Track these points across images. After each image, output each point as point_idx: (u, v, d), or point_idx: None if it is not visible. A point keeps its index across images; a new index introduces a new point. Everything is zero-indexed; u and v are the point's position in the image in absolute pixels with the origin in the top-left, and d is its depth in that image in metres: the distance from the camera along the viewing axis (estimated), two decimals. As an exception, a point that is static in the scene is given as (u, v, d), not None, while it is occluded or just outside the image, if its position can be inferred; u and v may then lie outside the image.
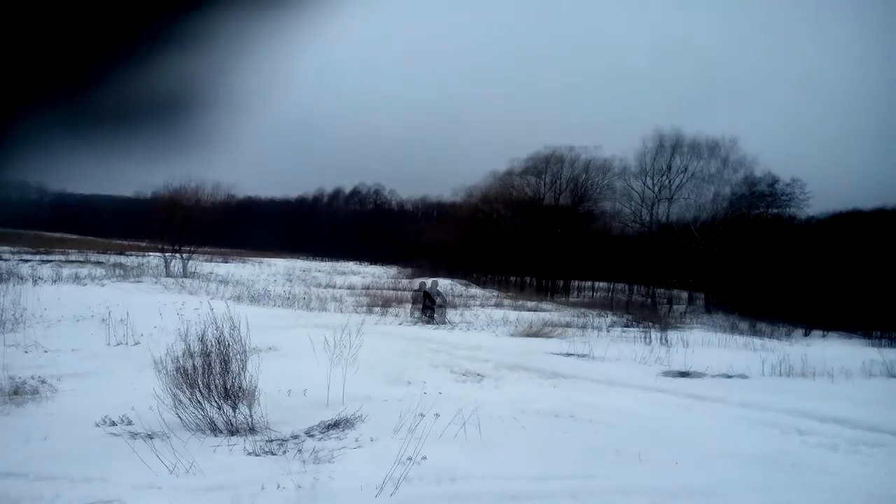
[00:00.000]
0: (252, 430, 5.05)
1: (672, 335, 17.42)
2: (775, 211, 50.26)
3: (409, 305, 19.66)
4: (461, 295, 31.38)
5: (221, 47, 1.26)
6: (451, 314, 19.44)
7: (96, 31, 1.16)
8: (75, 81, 1.22)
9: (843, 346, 24.50)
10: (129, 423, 5.04)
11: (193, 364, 5.23)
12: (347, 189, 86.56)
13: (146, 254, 35.03)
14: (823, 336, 30.61)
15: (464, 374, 9.52)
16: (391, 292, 29.24)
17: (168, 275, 24.55)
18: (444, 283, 34.43)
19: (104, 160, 1.46)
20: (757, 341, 18.79)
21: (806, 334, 29.60)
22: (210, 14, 1.21)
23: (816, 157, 77.89)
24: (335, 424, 5.31)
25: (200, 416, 5.02)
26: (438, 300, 17.99)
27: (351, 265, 55.47)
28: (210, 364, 5.23)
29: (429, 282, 19.69)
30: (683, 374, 10.07)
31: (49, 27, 1.14)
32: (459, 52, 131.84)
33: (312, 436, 5.04)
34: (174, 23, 1.20)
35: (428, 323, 16.62)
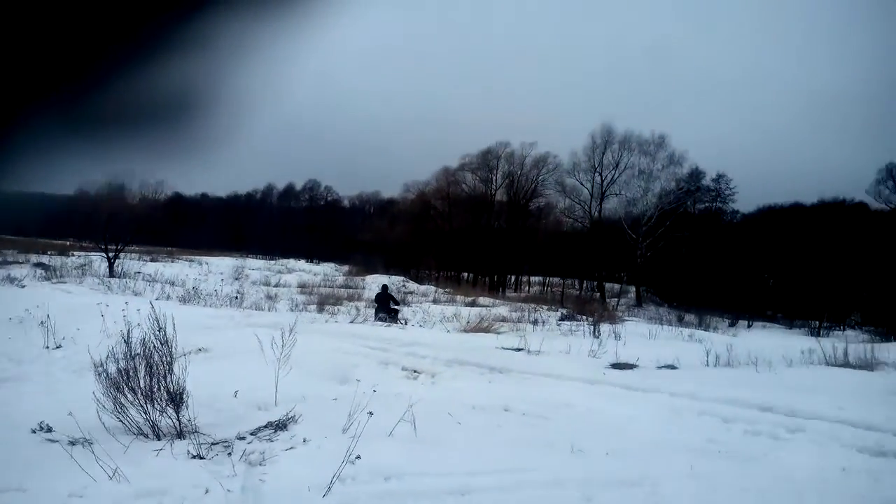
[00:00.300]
0: (181, 434, 4.89)
1: (611, 328, 17.80)
2: (703, 206, 52.09)
3: (351, 303, 20.62)
4: (399, 291, 31.25)
5: (217, 49, 1.23)
6: (406, 312, 19.80)
7: (95, 33, 1.12)
8: (71, 84, 1.18)
9: (768, 335, 25.60)
10: (49, 430, 4.80)
11: (118, 367, 5.03)
12: (281, 186, 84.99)
13: (72, 253, 33.66)
14: (749, 326, 31.85)
15: (406, 371, 9.49)
16: (332, 290, 28.94)
17: (94, 275, 23.62)
18: (381, 280, 34.32)
19: (101, 163, 1.41)
20: (687, 332, 19.37)
21: (732, 324, 30.74)
22: (209, 17, 1.17)
23: (754, 154, 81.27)
24: (268, 426, 5.19)
25: (128, 421, 4.84)
26: (397, 301, 18.42)
27: (289, 262, 54.53)
28: (136, 367, 5.04)
29: (381, 281, 20.06)
30: (618, 366, 10.29)
31: (46, 29, 1.09)
32: (415, 48, 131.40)
33: (244, 438, 4.91)
34: (174, 25, 1.17)
35: (391, 323, 16.42)
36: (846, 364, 10.71)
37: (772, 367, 10.15)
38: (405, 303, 24.25)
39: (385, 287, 19.35)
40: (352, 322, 16.21)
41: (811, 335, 24.72)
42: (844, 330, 31.70)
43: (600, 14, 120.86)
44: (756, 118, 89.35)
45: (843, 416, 6.59)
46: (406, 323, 17.56)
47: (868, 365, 10.55)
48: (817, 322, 33.44)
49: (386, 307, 17.70)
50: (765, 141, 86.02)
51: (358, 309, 20.87)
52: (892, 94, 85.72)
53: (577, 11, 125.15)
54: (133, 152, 1.39)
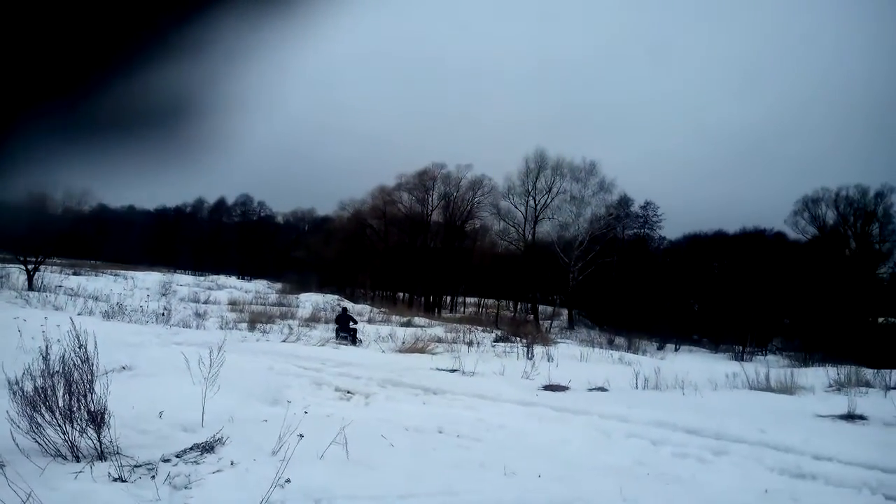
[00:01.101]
0: (102, 455, 4.67)
1: (544, 350, 18.02)
2: (631, 232, 53.65)
3: (284, 321, 21.68)
4: (333, 310, 30.88)
5: (212, 54, 1.21)
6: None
7: (87, 39, 1.08)
8: (64, 91, 1.14)
9: (694, 358, 26.42)
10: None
11: (35, 385, 4.79)
12: (212, 200, 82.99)
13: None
14: (676, 349, 32.82)
15: (339, 392, 9.38)
16: (265, 308, 28.38)
17: (12, 287, 22.50)
18: (315, 298, 33.85)
19: (97, 170, 1.35)
20: (616, 355, 19.81)
21: (660, 348, 31.62)
22: (208, 21, 1.16)
23: (680, 183, 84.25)
24: (195, 448, 5.01)
25: (45, 442, 4.60)
26: (352, 323, 19.21)
27: (220, 279, 53.23)
28: (54, 385, 4.80)
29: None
30: (551, 388, 10.42)
31: (39, 35, 1.05)
32: (355, 63, 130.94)
33: (169, 461, 4.72)
34: (168, 30, 1.14)
35: (350, 344, 17.30)
36: (768, 388, 11.15)
37: (698, 390, 10.46)
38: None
39: (345, 309, 21.14)
40: (284, 341, 15.94)
41: (735, 359, 25.68)
42: (766, 355, 33.05)
43: (531, 37, 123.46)
44: (681, 148, 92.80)
45: (765, 439, 6.83)
46: (360, 342, 18.18)
47: (788, 389, 11.01)
48: (741, 346, 34.81)
49: (346, 327, 18.62)
50: (691, 170, 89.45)
51: (291, 328, 20.55)
52: (808, 128, 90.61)
53: (511, 35, 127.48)
54: (59, 159, 1.35)
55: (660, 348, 31.51)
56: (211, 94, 1.31)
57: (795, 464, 6.17)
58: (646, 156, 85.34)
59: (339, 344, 17.00)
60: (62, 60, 1.10)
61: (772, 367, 14.07)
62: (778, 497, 5.31)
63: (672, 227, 65.80)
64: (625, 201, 51.58)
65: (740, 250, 45.77)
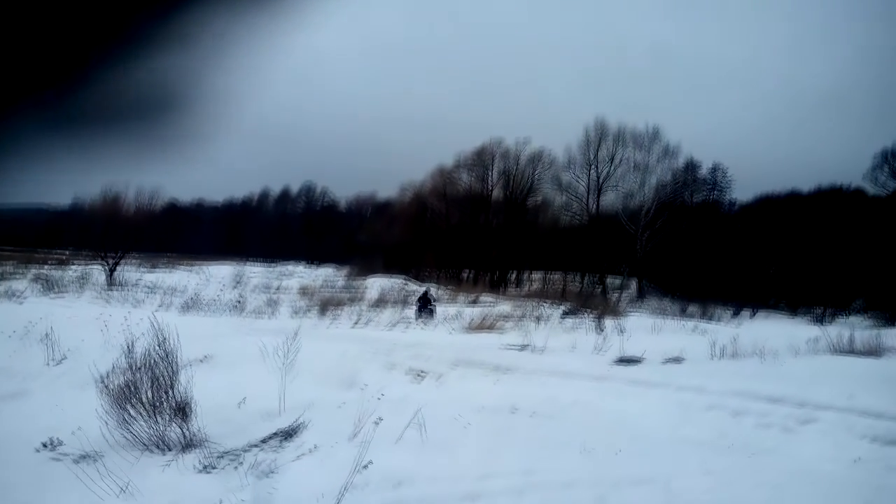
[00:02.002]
0: (189, 446, 4.83)
1: (614, 322, 17.77)
2: (700, 197, 52.08)
3: (352, 306, 22.23)
4: (400, 292, 31.16)
5: (205, 47, 1.19)
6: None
7: (77, 32, 1.09)
8: (54, 84, 1.15)
9: (771, 324, 25.55)
10: (55, 447, 4.74)
11: (122, 381, 4.98)
12: (277, 190, 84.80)
13: (71, 264, 33.58)
14: (752, 315, 31.83)
15: (411, 373, 9.45)
16: (333, 293, 28.85)
17: (94, 286, 23.54)
18: (382, 281, 34.25)
19: (83, 165, 1.37)
20: (690, 324, 19.36)
21: (735, 315, 30.72)
22: (195, 14, 1.14)
23: (749, 143, 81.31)
24: (276, 435, 5.13)
25: (134, 435, 4.78)
26: (434, 300, 21.84)
27: (289, 267, 54.44)
28: (140, 379, 4.98)
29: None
30: (624, 361, 10.25)
31: (27, 29, 1.06)
32: (408, 47, 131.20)
33: (252, 448, 4.85)
34: (158, 23, 1.14)
35: (430, 317, 19.56)
36: (853, 351, 10.69)
37: (778, 357, 10.11)
38: (407, 304, 24.37)
39: (426, 291, 23.13)
40: (354, 325, 16.18)
41: (816, 323, 24.71)
42: (849, 316, 31.67)
43: (591, 9, 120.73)
44: (750, 106, 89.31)
45: (853, 405, 6.56)
46: (436, 315, 20.01)
47: (875, 351, 10.53)
48: (821, 309, 33.41)
49: (426, 305, 20.66)
50: (759, 129, 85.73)
51: (360, 312, 20.83)
52: (887, 81, 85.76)
53: (569, 7, 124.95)
54: (120, 153, 1.35)
55: (735, 315, 30.61)
56: (255, 93, 1.29)
57: (888, 430, 5.92)
58: (714, 117, 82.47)
59: (421, 319, 19.32)
60: (53, 55, 1.08)
61: (856, 329, 13.47)
62: (871, 466, 5.09)
63: (743, 189, 63.63)
64: (691, 166, 49.99)
65: (816, 209, 43.79)
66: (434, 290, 28.15)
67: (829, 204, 43.89)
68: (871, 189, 45.39)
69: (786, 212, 46.40)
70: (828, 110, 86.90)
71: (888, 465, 5.12)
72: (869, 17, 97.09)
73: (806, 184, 50.81)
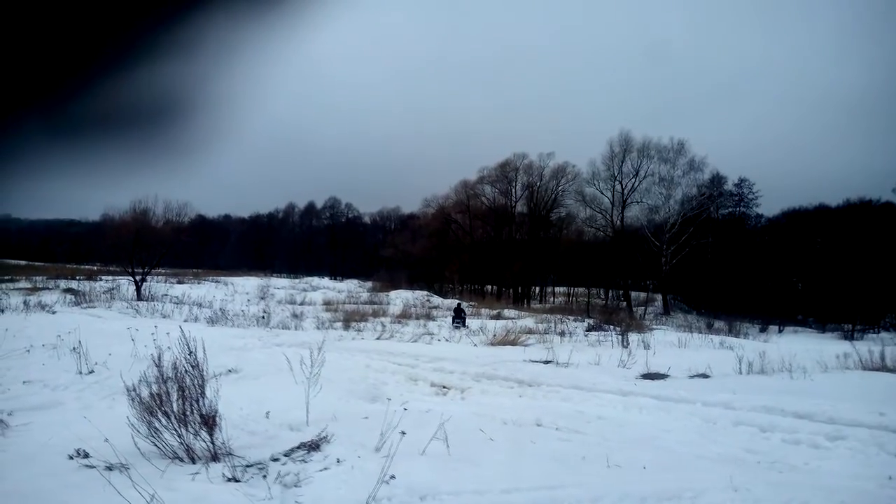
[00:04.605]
0: (216, 456, 4.88)
1: (639, 337, 17.62)
2: (726, 211, 51.58)
3: (376, 319, 23.36)
4: (424, 306, 31.21)
5: (210, 55, 1.22)
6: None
7: (78, 39, 1.11)
8: (57, 92, 1.17)
9: (800, 340, 25.16)
10: (86, 456, 4.82)
11: (150, 391, 5.05)
12: (302, 205, 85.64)
13: (100, 278, 34.14)
14: (780, 331, 31.37)
15: (435, 387, 9.48)
16: (357, 306, 28.99)
17: (122, 298, 23.92)
18: (405, 295, 34.34)
19: (85, 176, 1.41)
20: (717, 339, 19.11)
21: (763, 330, 30.29)
22: (198, 21, 1.17)
23: (775, 157, 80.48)
24: (302, 446, 5.17)
25: (163, 445, 4.84)
26: (465, 313, 25.00)
27: (314, 280, 54.86)
28: (168, 390, 5.05)
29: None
30: (649, 377, 10.16)
31: (30, 36, 1.08)
32: (429, 65, 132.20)
33: (278, 459, 4.89)
34: (160, 31, 1.16)
35: (462, 326, 22.04)
36: (884, 368, 10.51)
37: (807, 373, 9.96)
38: (430, 317, 24.64)
39: (459, 304, 27.03)
40: (378, 338, 16.23)
41: (845, 339, 24.27)
42: (879, 332, 31.07)
43: (615, 21, 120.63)
44: (775, 121, 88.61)
45: (884, 423, 6.44)
46: (468, 327, 21.84)
47: (906, 368, 10.33)
48: (850, 325, 32.82)
49: (460, 317, 23.62)
50: (785, 144, 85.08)
51: (383, 325, 20.91)
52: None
53: (592, 20, 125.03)
54: (122, 161, 1.37)
55: (762, 330, 30.16)
56: (244, 94, 1.31)
57: (922, 448, 5.79)
58: (740, 132, 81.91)
59: (456, 328, 21.49)
60: (56, 62, 1.11)
61: (886, 345, 13.20)
62: (903, 484, 4.99)
63: (770, 204, 62.88)
64: (717, 180, 49.58)
65: (845, 223, 43.14)
66: (446, 302, 31.63)
67: (858, 218, 43.22)
68: (901, 203, 44.67)
69: (813, 226, 45.82)
70: (857, 121, 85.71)
71: (921, 483, 5.02)
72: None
73: (834, 198, 50.18)
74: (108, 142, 1.31)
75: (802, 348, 15.53)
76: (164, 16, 1.15)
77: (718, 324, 29.09)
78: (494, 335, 17.71)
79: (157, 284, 29.97)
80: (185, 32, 1.18)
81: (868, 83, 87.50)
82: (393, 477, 4.30)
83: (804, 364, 10.64)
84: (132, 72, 1.20)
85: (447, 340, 17.32)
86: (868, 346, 12.49)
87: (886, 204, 45.78)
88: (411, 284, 46.57)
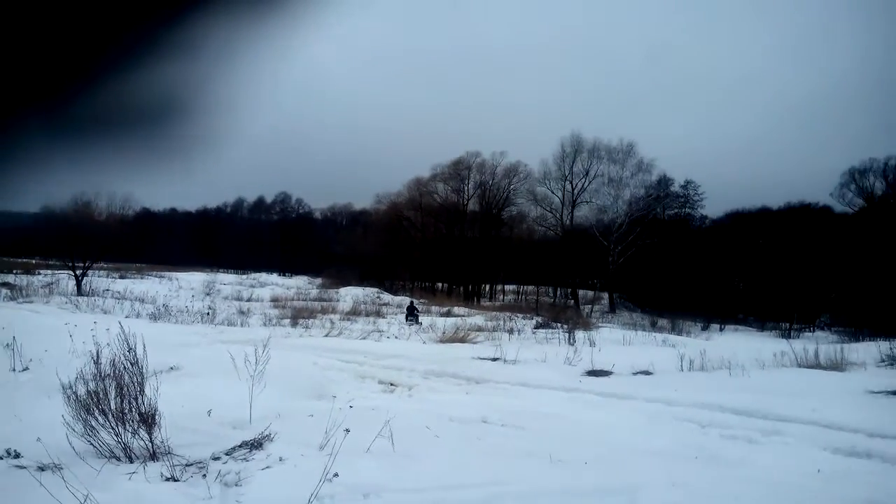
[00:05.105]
0: (154, 456, 4.77)
1: (585, 335, 17.88)
2: (672, 212, 52.76)
3: (325, 316, 23.31)
4: (374, 303, 31.11)
5: (209, 55, 1.21)
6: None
7: (79, 40, 1.09)
8: (57, 91, 1.16)
9: (739, 338, 25.94)
10: (17, 456, 4.66)
11: (87, 389, 4.92)
12: (251, 199, 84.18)
13: (38, 272, 32.96)
14: (721, 329, 32.25)
15: (383, 384, 9.47)
16: (306, 303, 28.71)
17: (62, 293, 23.15)
18: (356, 292, 34.14)
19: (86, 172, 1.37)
20: (660, 337, 19.56)
21: (704, 328, 31.12)
22: (198, 21, 1.16)
23: (721, 159, 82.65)
24: (244, 445, 5.10)
25: (99, 444, 4.71)
26: (418, 310, 25.97)
27: (262, 276, 54.10)
28: (106, 388, 4.92)
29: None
30: (594, 374, 10.34)
31: (28, 35, 1.06)
32: (383, 58, 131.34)
33: (219, 458, 4.81)
34: (160, 30, 1.15)
35: (416, 323, 22.34)
36: (818, 365, 10.90)
37: (745, 370, 10.27)
38: (380, 315, 24.65)
39: (412, 301, 28.66)
40: (327, 335, 16.10)
41: (782, 337, 25.10)
42: (814, 331, 32.22)
43: (568, 25, 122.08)
44: (722, 125, 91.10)
45: (817, 418, 6.69)
46: (421, 324, 22.23)
47: (838, 366, 10.76)
48: (788, 324, 33.95)
49: (413, 314, 24.44)
50: (731, 147, 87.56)
51: (332, 322, 20.75)
52: (854, 99, 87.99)
53: (547, 22, 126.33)
54: (118, 160, 1.35)
55: (704, 329, 30.99)
56: (228, 92, 1.31)
57: (849, 442, 6.04)
58: (687, 135, 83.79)
59: (409, 324, 22.04)
60: (54, 62, 1.09)
61: (820, 343, 13.71)
62: (832, 477, 5.19)
63: (715, 206, 64.64)
64: (664, 181, 50.60)
65: (785, 226, 44.55)
66: (397, 299, 32.72)
67: (798, 221, 44.71)
68: (838, 206, 46.46)
69: (755, 227, 47.21)
70: (801, 126, 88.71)
71: (849, 476, 5.23)
72: (841, 37, 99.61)
73: (776, 200, 51.79)
74: (107, 142, 1.30)
75: (742, 346, 16.01)
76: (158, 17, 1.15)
77: (662, 322, 29.77)
78: (444, 333, 17.77)
79: (98, 279, 29.10)
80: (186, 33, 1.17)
81: (812, 90, 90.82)
82: (336, 475, 4.28)
83: (743, 362, 10.97)
84: (131, 72, 1.19)
85: (396, 338, 17.30)
86: (804, 345, 12.97)
87: (824, 208, 47.55)
88: (362, 281, 46.34)
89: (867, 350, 13.09)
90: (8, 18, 1.04)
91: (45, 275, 30.65)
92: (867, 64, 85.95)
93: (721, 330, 32.14)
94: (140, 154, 1.35)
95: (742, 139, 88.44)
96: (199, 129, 1.38)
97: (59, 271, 27.99)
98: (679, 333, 24.04)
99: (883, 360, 11.71)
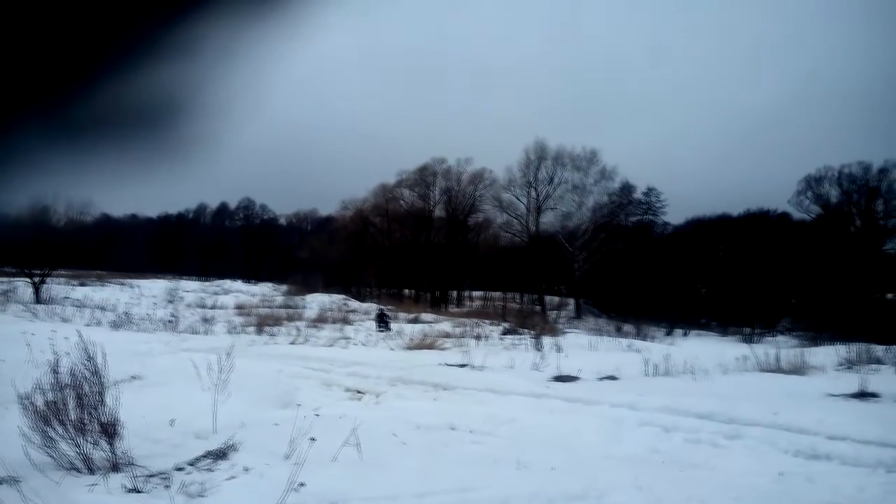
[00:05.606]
0: (116, 467, 4.66)
1: (552, 340, 18.01)
2: (635, 219, 53.52)
3: (291, 323, 22.95)
4: (340, 310, 30.90)
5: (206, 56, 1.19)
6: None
7: (78, 40, 1.08)
8: (54, 93, 1.14)
9: (703, 343, 26.37)
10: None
11: (46, 399, 4.79)
12: (214, 205, 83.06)
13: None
14: (685, 334, 32.76)
15: (349, 392, 9.43)
16: (271, 310, 28.39)
17: (19, 301, 22.54)
18: (322, 299, 33.88)
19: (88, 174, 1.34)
20: (625, 342, 19.80)
21: (668, 333, 31.58)
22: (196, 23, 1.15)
23: (682, 167, 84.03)
24: (208, 455, 5.02)
25: (59, 456, 4.59)
26: (388, 317, 25.70)
27: (226, 283, 53.30)
28: (65, 398, 4.80)
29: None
30: (561, 379, 10.40)
31: (25, 37, 1.05)
32: (347, 64, 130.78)
33: (183, 469, 4.72)
34: (159, 31, 1.14)
35: (387, 330, 22.83)
36: (779, 370, 11.14)
37: (708, 374, 10.46)
38: (347, 322, 24.55)
39: (381, 310, 28.07)
40: (292, 343, 15.96)
41: (744, 342, 25.55)
42: (775, 336, 32.86)
43: (534, 34, 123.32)
44: (685, 134, 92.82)
45: (778, 422, 6.81)
46: (391, 329, 22.86)
47: (798, 370, 11.00)
48: (750, 328, 34.60)
49: (383, 321, 24.26)
50: (691, 155, 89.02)
51: (298, 329, 20.57)
52: (808, 109, 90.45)
53: (510, 32, 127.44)
54: (115, 162, 1.33)
55: (668, 334, 31.46)
56: (203, 95, 1.30)
57: (810, 445, 6.16)
58: (648, 143, 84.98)
59: (380, 331, 22.44)
60: (51, 63, 1.08)
61: (781, 348, 14.06)
62: (793, 479, 5.31)
63: (676, 213, 65.60)
64: (627, 188, 51.31)
65: (745, 232, 45.51)
66: (364, 306, 32.67)
67: (757, 228, 45.69)
68: (796, 213, 47.56)
69: (716, 234, 48.17)
70: (761, 135, 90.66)
71: (809, 478, 5.35)
72: (803, 45, 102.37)
73: (736, 208, 52.79)
74: (106, 143, 1.28)
75: (705, 351, 16.28)
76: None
77: (627, 327, 30.12)
78: (411, 339, 17.77)
79: (57, 287, 28.38)
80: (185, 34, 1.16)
81: (771, 98, 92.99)
82: (302, 484, 4.24)
83: (706, 366, 11.17)
84: (130, 73, 1.17)
85: (364, 345, 17.24)
86: (765, 349, 13.26)
87: (783, 214, 48.64)
88: (328, 288, 45.99)
89: (826, 354, 13.40)
90: (7, 20, 1.03)
91: (1, 282, 29.84)
92: (829, 71, 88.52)
93: (685, 335, 32.66)
94: (123, 158, 1.34)
95: (703, 148, 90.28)
96: (177, 133, 1.36)
97: (16, 279, 27.23)
98: (644, 338, 24.36)
99: (841, 364, 12.00)
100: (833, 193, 45.49)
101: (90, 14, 1.06)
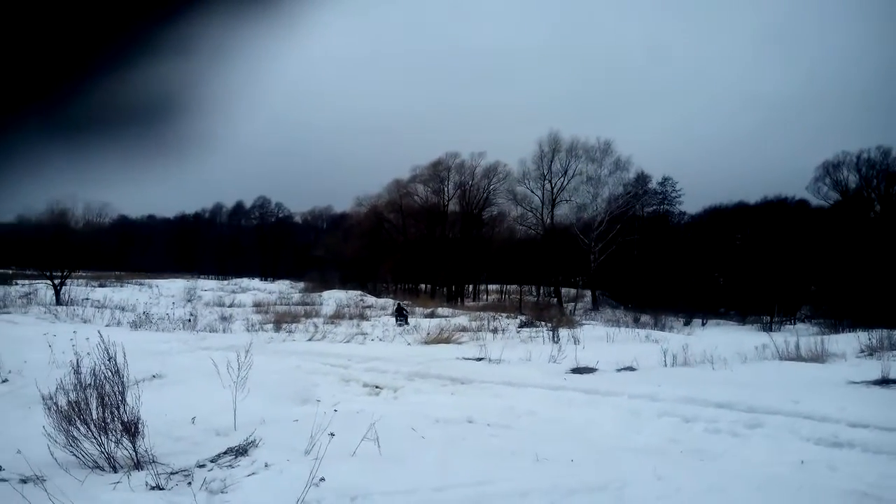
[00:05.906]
0: (139, 465, 4.73)
1: (569, 332, 17.95)
2: (650, 209, 53.18)
3: (308, 320, 23.14)
4: (357, 306, 31.01)
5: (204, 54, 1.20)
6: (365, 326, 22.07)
7: (74, 39, 1.09)
8: (51, 91, 1.15)
9: (721, 332, 26.17)
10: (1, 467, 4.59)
11: (68, 399, 4.86)
12: (230, 204, 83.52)
13: (15, 282, 32.49)
14: (703, 324, 32.54)
15: (367, 387, 9.46)
16: (289, 308, 28.55)
17: (40, 303, 22.84)
18: (338, 295, 34.01)
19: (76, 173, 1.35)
20: (643, 333, 19.68)
21: (687, 323, 31.36)
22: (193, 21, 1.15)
23: (698, 156, 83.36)
24: (229, 452, 5.06)
25: (82, 455, 4.66)
26: (406, 311, 26.39)
27: (243, 281, 53.67)
28: (87, 398, 4.87)
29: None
30: (578, 371, 10.36)
31: (21, 35, 1.05)
32: (361, 62, 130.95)
33: (204, 466, 4.77)
34: (155, 30, 1.15)
35: (405, 324, 22.88)
36: (799, 358, 11.03)
37: (727, 364, 10.38)
38: (364, 317, 24.63)
39: (399, 304, 28.74)
40: (310, 340, 16.04)
41: (763, 330, 25.30)
42: (795, 324, 32.51)
43: (547, 24, 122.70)
44: (700, 122, 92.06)
45: (799, 410, 6.75)
46: (409, 323, 23.22)
47: (819, 357, 10.89)
48: (768, 317, 34.28)
49: (402, 315, 24.72)
50: (707, 143, 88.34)
51: (316, 326, 20.66)
52: (828, 95, 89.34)
53: (522, 24, 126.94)
54: (113, 161, 1.34)
55: (686, 324, 31.25)
56: (200, 93, 1.30)
57: (831, 433, 6.10)
58: (663, 133, 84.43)
59: (399, 325, 22.49)
60: (49, 61, 1.09)
61: (801, 335, 13.88)
62: (815, 467, 5.27)
63: (693, 202, 65.36)
64: (642, 178, 51.00)
65: (763, 220, 45.08)
66: (380, 301, 33.08)
67: (775, 215, 45.19)
68: (814, 200, 47.05)
69: (734, 223, 47.74)
70: (778, 122, 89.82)
71: (832, 466, 5.31)
72: (821, 30, 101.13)
73: (754, 195, 52.34)
74: (103, 141, 1.29)
75: (724, 340, 16.15)
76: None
77: (645, 318, 29.92)
78: (428, 333, 17.77)
79: (77, 288, 28.71)
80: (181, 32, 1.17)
81: (789, 86, 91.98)
82: (323, 479, 4.27)
83: (725, 355, 11.08)
84: (122, 71, 1.18)
85: (381, 340, 17.28)
86: (784, 337, 13.12)
87: (801, 201, 48.14)
88: (344, 284, 46.12)
89: (847, 341, 13.27)
90: (4, 18, 1.04)
91: (23, 285, 30.22)
92: (846, 56, 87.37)
93: (703, 324, 32.44)
94: (130, 157, 1.34)
95: (719, 136, 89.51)
96: (191, 131, 1.37)
97: (37, 281, 27.59)
98: (662, 329, 24.21)
99: (862, 351, 11.88)
100: (852, 179, 45.03)
101: (87, 13, 1.06)
